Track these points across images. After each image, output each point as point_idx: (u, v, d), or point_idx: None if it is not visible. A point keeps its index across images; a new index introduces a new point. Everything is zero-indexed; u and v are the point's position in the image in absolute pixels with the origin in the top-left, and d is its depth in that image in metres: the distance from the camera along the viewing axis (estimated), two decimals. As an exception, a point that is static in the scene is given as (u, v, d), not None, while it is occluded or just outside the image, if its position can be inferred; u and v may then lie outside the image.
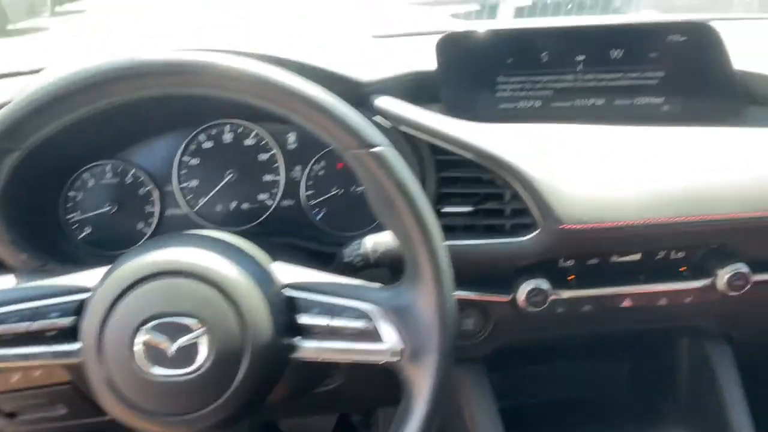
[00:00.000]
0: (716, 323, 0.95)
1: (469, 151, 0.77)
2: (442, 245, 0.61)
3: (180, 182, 0.92)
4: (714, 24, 0.94)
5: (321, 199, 0.93)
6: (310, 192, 0.94)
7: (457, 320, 0.62)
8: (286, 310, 0.63)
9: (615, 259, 0.84)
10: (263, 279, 0.63)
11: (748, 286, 0.82)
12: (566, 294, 0.82)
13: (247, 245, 0.67)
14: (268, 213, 0.93)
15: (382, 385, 1.00)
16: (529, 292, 0.79)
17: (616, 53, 0.93)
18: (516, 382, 1.15)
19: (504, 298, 0.81)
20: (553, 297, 0.81)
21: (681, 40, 0.92)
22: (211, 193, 0.93)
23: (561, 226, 0.75)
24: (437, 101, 0.95)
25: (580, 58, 0.94)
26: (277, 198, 0.93)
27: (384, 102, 0.79)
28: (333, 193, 0.93)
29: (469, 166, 0.79)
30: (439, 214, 0.82)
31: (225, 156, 0.93)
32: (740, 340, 0.98)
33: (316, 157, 0.93)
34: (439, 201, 0.82)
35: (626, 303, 0.85)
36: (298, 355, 0.63)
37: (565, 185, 0.76)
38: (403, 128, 0.79)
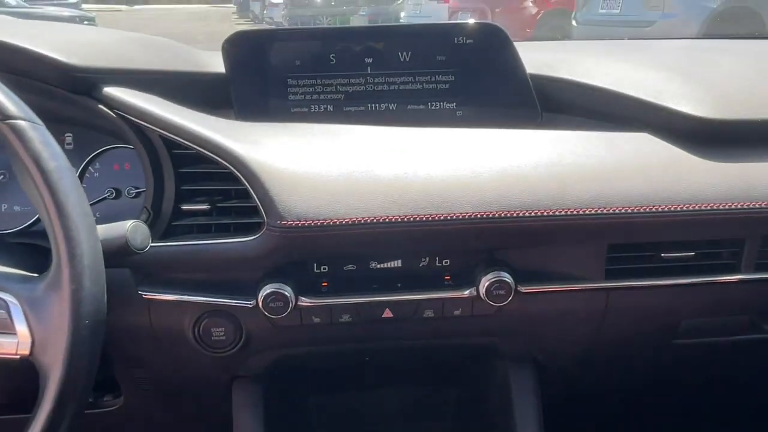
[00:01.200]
0: (512, 343, 0.88)
1: (194, 140, 0.73)
2: (82, 231, 0.56)
3: None
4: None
5: (92, 201, 0.89)
6: None
7: (98, 311, 0.57)
8: None
9: (374, 265, 0.79)
10: None
11: (512, 296, 0.76)
12: (313, 301, 0.76)
13: None
14: (38, 215, 0.89)
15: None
16: (267, 297, 0.74)
17: (404, 56, 0.90)
18: (351, 409, 1.08)
19: (247, 303, 0.76)
20: (299, 303, 0.76)
21: (468, 43, 0.88)
22: None
23: (283, 222, 0.70)
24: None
25: (368, 60, 0.90)
26: None
27: (111, 91, 0.76)
28: (105, 195, 0.89)
29: (207, 162, 0.75)
30: (180, 213, 0.78)
31: None
32: (546, 363, 0.91)
33: (89, 158, 0.89)
34: (180, 198, 0.77)
35: (386, 313, 0.79)
36: None
37: (295, 182, 0.72)
38: (131, 118, 0.76)
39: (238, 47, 0.90)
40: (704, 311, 0.86)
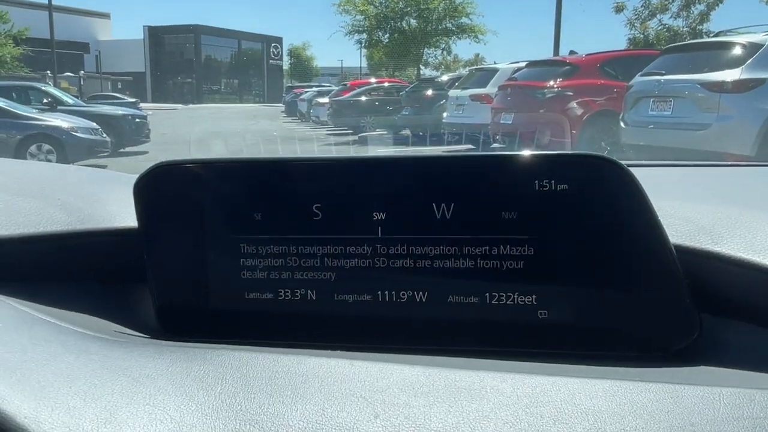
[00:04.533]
0: None
1: None
2: None
3: None
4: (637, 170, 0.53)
5: None
6: None
7: None
8: None
9: None
10: None
11: None
12: None
13: None
14: None
15: None
16: None
17: (442, 209, 0.50)
18: None
19: None
20: None
21: (561, 190, 0.48)
22: None
23: None
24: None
25: (379, 216, 0.51)
26: None
27: None
28: None
29: None
30: None
31: None
32: None
33: None
34: None
35: None
36: None
37: None
38: None
39: (160, 191, 0.53)
40: None
